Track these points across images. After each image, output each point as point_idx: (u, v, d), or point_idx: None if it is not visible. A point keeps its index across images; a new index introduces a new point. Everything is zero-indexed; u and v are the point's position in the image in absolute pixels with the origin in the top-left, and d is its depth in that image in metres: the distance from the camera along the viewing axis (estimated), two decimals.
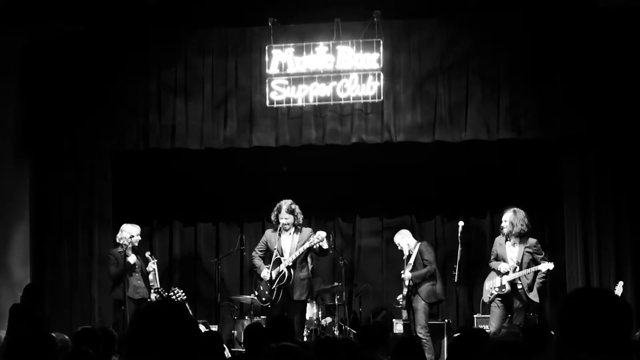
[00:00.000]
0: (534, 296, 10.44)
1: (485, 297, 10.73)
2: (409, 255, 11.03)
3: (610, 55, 10.90)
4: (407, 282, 10.93)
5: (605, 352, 2.63)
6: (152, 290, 10.99)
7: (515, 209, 10.52)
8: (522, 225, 10.40)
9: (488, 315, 10.72)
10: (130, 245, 11.01)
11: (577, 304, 2.75)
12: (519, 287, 10.42)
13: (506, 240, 10.56)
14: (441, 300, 11.17)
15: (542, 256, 10.48)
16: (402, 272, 11.06)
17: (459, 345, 5.32)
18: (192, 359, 2.76)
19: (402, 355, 5.94)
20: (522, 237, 10.47)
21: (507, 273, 10.43)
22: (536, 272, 10.39)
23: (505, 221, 10.52)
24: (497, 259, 10.67)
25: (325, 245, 10.60)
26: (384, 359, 6.62)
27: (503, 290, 10.44)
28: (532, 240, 10.51)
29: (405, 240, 11.17)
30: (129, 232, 11.03)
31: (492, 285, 10.56)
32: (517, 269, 10.41)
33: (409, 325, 11.15)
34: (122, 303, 10.71)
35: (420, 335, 10.69)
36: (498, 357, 3.28)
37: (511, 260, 10.47)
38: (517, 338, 6.53)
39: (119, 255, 10.92)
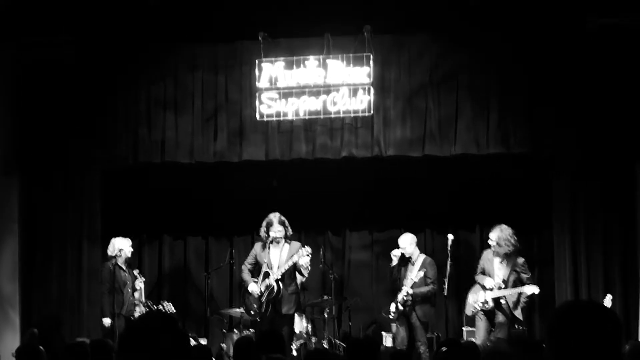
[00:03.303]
0: (518, 314, 10.49)
1: (468, 311, 10.79)
2: (410, 265, 11.01)
3: (598, 74, 10.95)
4: (405, 298, 10.89)
5: None
6: (138, 307, 11.08)
7: (502, 226, 10.56)
8: (507, 245, 10.45)
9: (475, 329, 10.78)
10: (123, 259, 11.11)
11: (567, 316, 2.75)
12: (503, 302, 10.47)
13: (494, 256, 10.60)
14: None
15: (528, 276, 10.52)
16: (397, 279, 11.04)
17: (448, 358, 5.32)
18: None
19: None
20: (509, 256, 10.50)
21: (491, 289, 10.47)
22: (520, 293, 10.43)
23: (492, 240, 10.56)
24: (483, 272, 10.70)
25: (301, 262, 10.60)
26: None
27: (486, 306, 10.48)
28: (520, 260, 10.56)
29: (414, 247, 11.13)
30: (119, 245, 11.10)
31: (475, 299, 10.61)
32: (502, 287, 10.44)
33: (395, 339, 11.17)
34: (112, 317, 10.82)
35: (420, 351, 10.74)
36: None
37: (497, 277, 10.51)
38: (506, 349, 6.55)
39: (105, 269, 11.05)
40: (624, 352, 7.24)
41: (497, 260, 10.58)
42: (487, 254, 10.76)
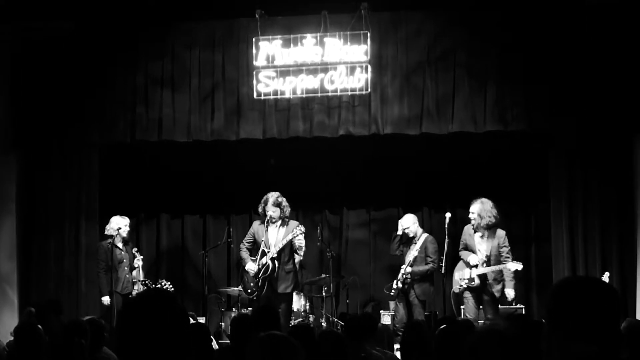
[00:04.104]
0: (497, 291, 10.44)
1: (455, 288, 10.78)
2: (411, 243, 11.01)
3: (597, 51, 10.93)
4: (404, 276, 10.90)
5: (595, 340, 2.63)
6: (136, 285, 11.13)
7: (483, 199, 10.53)
8: (489, 217, 10.42)
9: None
10: (119, 237, 11.14)
11: (567, 292, 2.75)
12: (488, 280, 10.49)
13: (475, 231, 10.59)
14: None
15: (508, 249, 10.47)
16: (398, 252, 11.06)
17: (446, 336, 5.32)
18: (184, 350, 2.75)
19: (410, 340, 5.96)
20: (490, 228, 10.49)
21: (476, 266, 10.48)
22: (503, 270, 10.42)
23: (472, 213, 10.54)
24: (466, 248, 10.69)
25: (297, 243, 10.63)
26: (372, 350, 6.63)
27: (472, 283, 10.48)
28: (500, 232, 10.51)
29: (416, 226, 11.13)
30: (117, 224, 11.12)
31: (461, 276, 10.61)
32: (486, 264, 10.44)
33: (395, 317, 11.19)
34: (110, 295, 10.87)
35: None
36: (487, 346, 3.29)
37: (480, 253, 10.50)
38: (502, 327, 6.54)
39: (102, 248, 11.07)
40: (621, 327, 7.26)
41: (477, 235, 10.57)
42: (467, 229, 10.74)
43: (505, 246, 10.45)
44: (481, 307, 10.53)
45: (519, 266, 10.35)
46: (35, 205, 11.95)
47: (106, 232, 11.21)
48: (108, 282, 10.97)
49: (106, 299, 11.04)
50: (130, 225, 11.60)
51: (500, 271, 10.40)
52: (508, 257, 10.43)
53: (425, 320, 10.92)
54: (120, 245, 11.25)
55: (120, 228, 11.14)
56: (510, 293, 10.43)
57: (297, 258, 11.10)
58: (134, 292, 11.17)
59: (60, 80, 11.68)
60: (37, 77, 11.74)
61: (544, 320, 2.77)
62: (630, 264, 10.94)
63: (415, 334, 5.98)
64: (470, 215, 10.57)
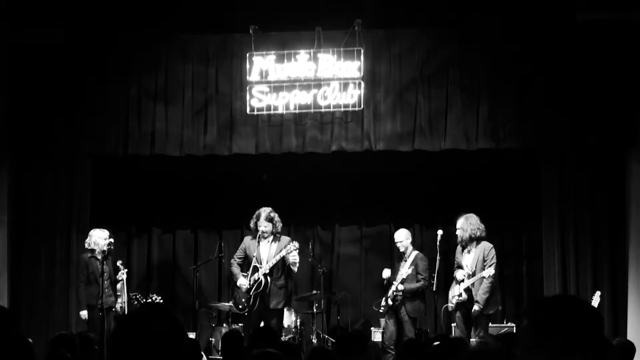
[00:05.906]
0: (477, 303, 10.47)
1: (448, 306, 10.82)
2: (403, 261, 11.04)
3: (588, 68, 11.01)
4: (395, 294, 10.92)
5: (582, 352, 2.66)
6: (120, 298, 11.00)
7: (468, 214, 10.65)
8: (472, 229, 10.50)
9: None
10: (99, 250, 10.94)
11: (552, 307, 2.76)
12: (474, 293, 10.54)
13: (463, 249, 10.65)
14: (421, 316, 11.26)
15: (489, 261, 10.49)
16: (388, 276, 11.07)
17: (439, 354, 5.34)
18: None
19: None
20: (477, 241, 10.54)
21: (462, 280, 10.52)
22: (482, 277, 10.46)
23: (458, 229, 10.62)
24: (459, 267, 10.77)
25: (291, 259, 10.63)
26: None
27: (460, 298, 10.52)
28: (485, 245, 10.59)
29: (409, 241, 11.19)
30: (96, 237, 10.97)
31: (452, 294, 10.66)
32: (471, 277, 10.48)
33: (384, 334, 11.19)
34: (92, 308, 10.77)
35: None
36: None
37: (466, 267, 10.55)
38: (493, 347, 6.55)
39: (81, 261, 11.05)
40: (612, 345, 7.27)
41: (465, 251, 10.64)
42: (458, 248, 10.84)
43: (487, 258, 10.48)
44: (472, 325, 10.54)
45: (490, 271, 10.34)
46: (26, 216, 11.91)
47: (86, 246, 11.07)
48: (87, 295, 10.90)
49: (84, 313, 10.96)
50: (122, 239, 11.52)
51: (482, 280, 10.44)
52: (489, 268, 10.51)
53: (416, 337, 10.93)
54: (99, 257, 11.02)
55: (99, 241, 10.98)
56: (475, 307, 10.44)
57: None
58: (118, 306, 11.06)
59: (53, 92, 11.65)
60: (29, 89, 11.71)
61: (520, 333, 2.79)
62: (621, 283, 10.96)
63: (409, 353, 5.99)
64: (457, 232, 10.65)
